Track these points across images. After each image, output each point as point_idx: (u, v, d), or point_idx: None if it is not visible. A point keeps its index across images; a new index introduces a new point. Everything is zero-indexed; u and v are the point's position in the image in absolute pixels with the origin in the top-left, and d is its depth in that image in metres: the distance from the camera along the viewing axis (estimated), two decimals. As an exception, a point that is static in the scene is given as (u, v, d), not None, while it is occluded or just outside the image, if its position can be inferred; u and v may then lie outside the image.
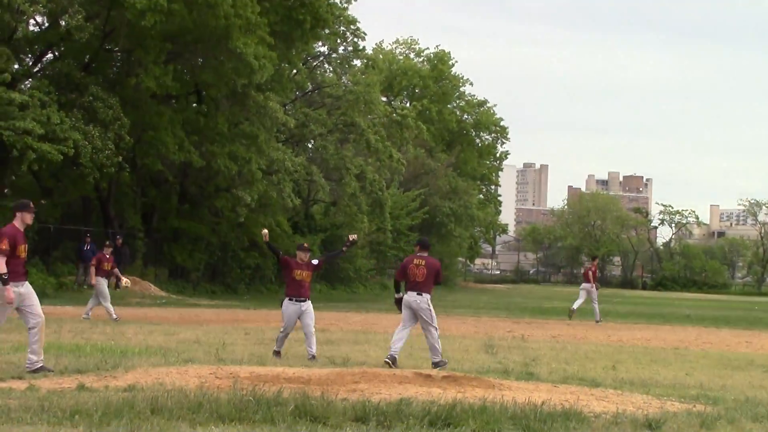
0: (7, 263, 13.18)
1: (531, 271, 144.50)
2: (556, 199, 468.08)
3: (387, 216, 59.55)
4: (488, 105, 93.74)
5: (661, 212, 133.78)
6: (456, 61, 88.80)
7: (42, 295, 34.42)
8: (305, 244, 18.59)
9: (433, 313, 17.24)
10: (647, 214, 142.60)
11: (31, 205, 13.96)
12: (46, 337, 18.74)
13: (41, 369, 13.24)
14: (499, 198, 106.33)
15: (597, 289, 35.09)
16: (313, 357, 16.99)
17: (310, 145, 55.96)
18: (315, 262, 18.20)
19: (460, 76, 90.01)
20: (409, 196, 70.94)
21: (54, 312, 27.56)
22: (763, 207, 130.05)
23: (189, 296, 43.20)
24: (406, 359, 17.68)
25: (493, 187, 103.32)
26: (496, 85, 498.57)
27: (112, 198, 44.81)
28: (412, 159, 72.11)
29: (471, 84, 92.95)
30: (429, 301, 17.21)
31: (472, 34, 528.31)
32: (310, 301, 17.66)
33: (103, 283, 26.53)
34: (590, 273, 35.54)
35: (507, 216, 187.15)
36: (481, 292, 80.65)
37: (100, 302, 26.46)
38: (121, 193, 46.20)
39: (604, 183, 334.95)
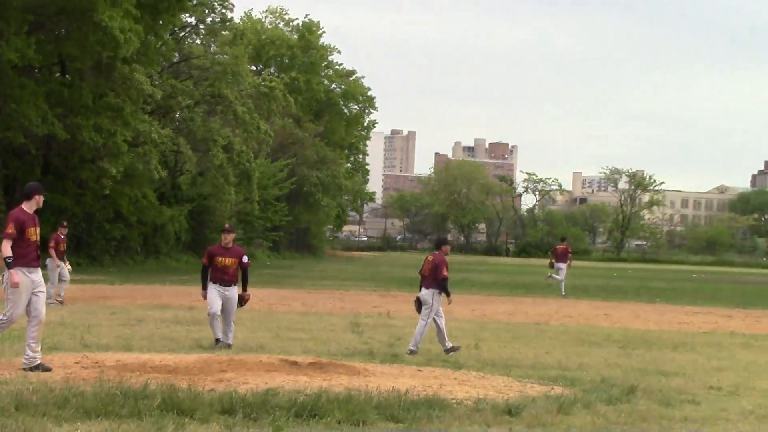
0: (16, 246, 12.67)
1: (398, 238, 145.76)
2: (423, 165, 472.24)
3: (254, 187, 59.49)
4: (356, 76, 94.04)
5: (525, 180, 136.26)
6: (324, 31, 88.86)
7: None
8: (227, 225, 17.73)
9: (434, 307, 17.28)
10: (512, 181, 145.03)
11: (42, 186, 13.49)
12: None
13: (39, 366, 12.62)
14: (366, 167, 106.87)
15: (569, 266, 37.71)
16: (228, 347, 16.29)
17: (177, 117, 55.46)
18: (245, 260, 16.94)
19: (329, 45, 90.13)
20: (277, 166, 70.90)
21: None
22: (623, 174, 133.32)
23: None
24: (272, 340, 17.84)
25: (360, 155, 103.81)
26: (365, 51, 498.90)
27: (-28, 170, 43.82)
28: (280, 129, 72.04)
29: (339, 52, 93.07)
30: (431, 294, 17.33)
31: (341, 1, 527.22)
32: (235, 288, 16.81)
33: (61, 266, 25.26)
34: (566, 253, 37.67)
35: (375, 183, 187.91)
36: (349, 261, 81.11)
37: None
38: (-19, 165, 45.19)
39: (470, 150, 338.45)
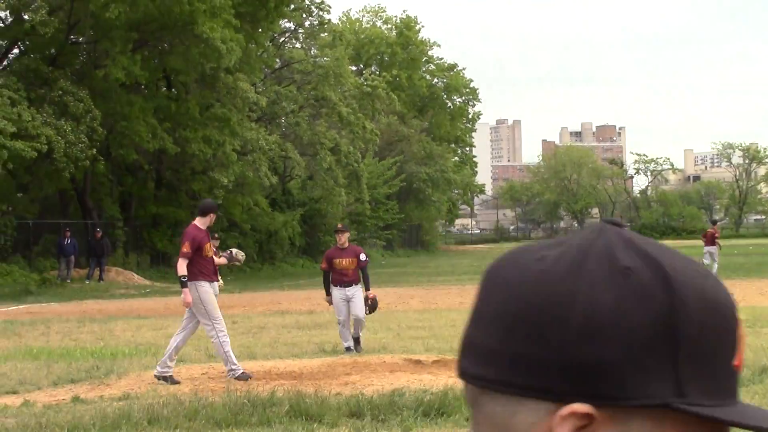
0: (195, 264, 12.99)
1: (511, 228, 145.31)
2: (531, 154, 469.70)
3: (364, 187, 59.71)
4: (458, 69, 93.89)
5: (636, 161, 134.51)
6: (422, 26, 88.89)
7: (26, 292, 34.63)
8: (339, 225, 17.62)
9: None
10: (622, 164, 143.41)
11: (216, 205, 13.93)
12: (36, 341, 18.87)
13: (169, 379, 12.82)
14: (474, 159, 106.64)
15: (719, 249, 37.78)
16: (358, 341, 16.23)
17: (282, 122, 55.93)
18: (363, 258, 16.64)
19: (428, 40, 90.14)
20: (385, 165, 71.09)
21: (40, 311, 27.65)
22: (736, 149, 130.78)
23: (172, 282, 43.12)
24: (394, 340, 17.83)
25: (467, 148, 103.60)
26: (464, 44, 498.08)
27: (89, 189, 44.75)
28: (385, 127, 72.21)
29: (439, 46, 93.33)
30: None
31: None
32: (358, 287, 16.40)
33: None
34: (714, 236, 37.73)
35: (483, 175, 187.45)
36: (463, 254, 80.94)
37: None
38: (97, 184, 46.14)
39: (577, 135, 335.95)
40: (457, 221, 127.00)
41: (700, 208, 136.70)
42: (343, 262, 16.45)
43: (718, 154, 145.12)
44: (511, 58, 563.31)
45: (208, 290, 13.02)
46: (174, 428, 9.79)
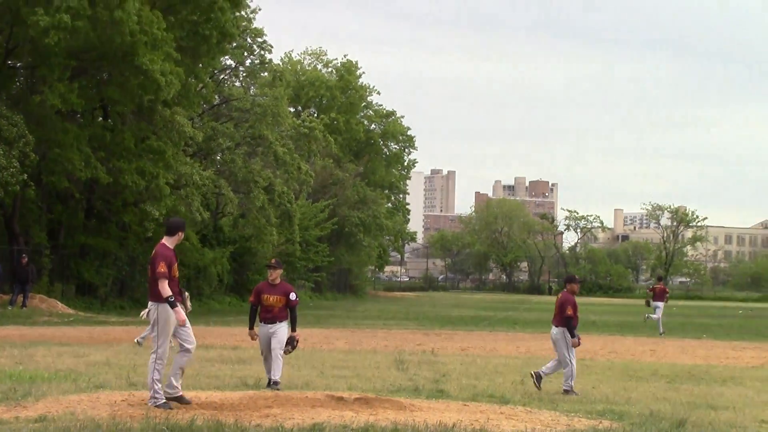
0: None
1: (440, 278, 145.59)
2: (464, 205, 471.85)
3: (296, 227, 59.57)
4: (395, 116, 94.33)
5: (566, 217, 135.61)
6: (363, 72, 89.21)
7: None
8: (273, 260, 17.19)
9: (565, 346, 17.38)
10: (553, 219, 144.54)
11: (184, 223, 13.76)
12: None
13: (166, 404, 12.62)
14: (407, 206, 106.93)
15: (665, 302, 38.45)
16: (276, 383, 15.90)
17: (218, 158, 55.75)
18: (293, 297, 16.26)
19: (367, 85, 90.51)
20: (318, 207, 71.07)
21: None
22: (665, 211, 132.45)
23: (97, 312, 42.74)
24: (317, 378, 17.80)
25: (401, 195, 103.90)
26: (403, 91, 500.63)
27: (17, 215, 44.12)
28: (320, 170, 72.29)
29: (378, 93, 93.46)
30: (561, 333, 17.51)
31: (378, 42, 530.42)
32: (283, 324, 16.18)
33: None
34: (664, 291, 38.59)
35: (415, 223, 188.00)
36: (391, 301, 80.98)
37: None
38: (26, 210, 45.52)
39: (510, 188, 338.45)
40: (387, 268, 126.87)
41: (627, 267, 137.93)
42: (271, 299, 16.23)
43: (647, 215, 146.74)
44: (448, 110, 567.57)
45: (171, 314, 12.80)
46: (90, 452, 9.68)
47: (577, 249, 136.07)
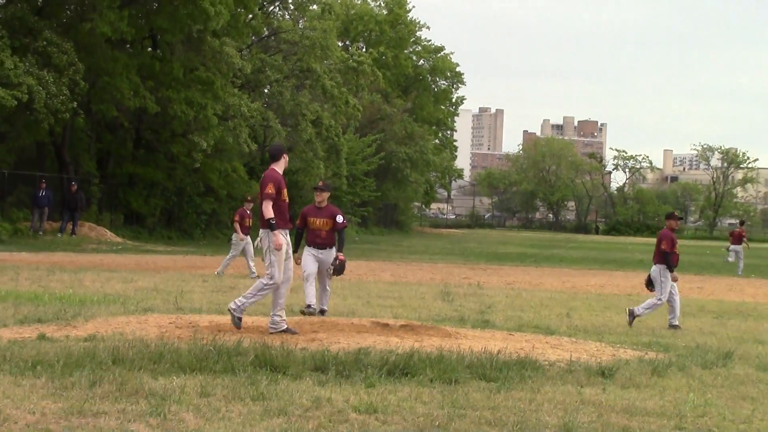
0: (275, 208, 12.60)
1: (486, 216, 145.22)
2: (511, 144, 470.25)
3: (343, 161, 59.60)
4: (444, 51, 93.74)
5: (615, 157, 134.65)
6: (413, 6, 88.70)
7: (-3, 242, 34.44)
8: (320, 182, 16.85)
9: (664, 283, 17.30)
10: (601, 159, 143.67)
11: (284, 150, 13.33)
12: (4, 285, 18.79)
13: (289, 330, 12.60)
14: (454, 143, 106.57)
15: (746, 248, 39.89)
16: (323, 312, 15.72)
17: (266, 91, 55.71)
18: (340, 219, 15.81)
19: (417, 20, 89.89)
20: (365, 142, 71.01)
21: (10, 259, 27.54)
22: (716, 152, 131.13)
23: (145, 242, 43.13)
24: (363, 307, 17.86)
25: (448, 132, 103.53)
26: (453, 29, 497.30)
27: (67, 143, 44.48)
28: (368, 104, 72.10)
29: (428, 28, 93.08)
30: (658, 270, 17.41)
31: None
32: (332, 250, 15.75)
33: (248, 241, 25.28)
34: (741, 236, 39.87)
35: (462, 161, 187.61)
36: (437, 237, 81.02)
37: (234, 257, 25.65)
38: (75, 138, 45.87)
39: (559, 128, 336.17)
40: (433, 205, 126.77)
41: (675, 208, 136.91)
42: (318, 222, 15.82)
43: (697, 156, 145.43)
44: (498, 48, 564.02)
45: (281, 238, 12.61)
46: (138, 369, 9.78)
47: (626, 189, 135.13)
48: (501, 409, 8.89)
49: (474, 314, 17.37)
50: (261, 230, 12.83)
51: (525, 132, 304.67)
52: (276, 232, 12.51)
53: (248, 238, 25.29)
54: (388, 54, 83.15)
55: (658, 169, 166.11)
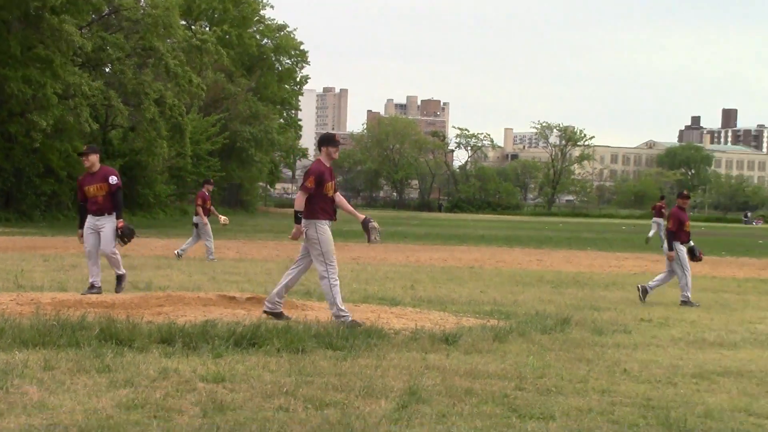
0: (315, 200, 12.15)
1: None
2: (355, 123, 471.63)
3: (187, 141, 58.95)
4: (288, 29, 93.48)
5: (457, 136, 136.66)
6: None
7: None
8: (85, 146, 15.41)
9: (677, 260, 17.61)
10: (444, 137, 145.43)
11: (336, 138, 12.76)
12: None
13: (354, 323, 11.90)
14: (299, 122, 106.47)
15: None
16: (119, 282, 15.15)
17: (107, 70, 54.73)
18: (113, 180, 14.81)
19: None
20: (209, 121, 70.41)
21: None
22: (554, 130, 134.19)
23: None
24: (209, 283, 17.84)
25: (293, 111, 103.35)
26: (297, 8, 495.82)
27: None
28: (212, 84, 71.41)
29: (271, 7, 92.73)
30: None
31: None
32: (111, 217, 14.93)
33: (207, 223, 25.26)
34: (661, 209, 40.79)
35: (307, 140, 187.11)
36: (282, 216, 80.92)
37: (197, 241, 25.48)
38: None
39: (403, 107, 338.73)
40: (278, 185, 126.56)
41: (516, 186, 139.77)
42: (92, 189, 14.82)
43: (536, 134, 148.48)
44: (343, 27, 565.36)
45: (327, 230, 12.30)
46: (-22, 345, 9.63)
47: (468, 167, 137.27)
48: (347, 375, 9.06)
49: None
50: (304, 221, 12.31)
51: (369, 111, 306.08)
52: (297, 225, 12.23)
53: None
54: (232, 33, 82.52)
55: (499, 147, 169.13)
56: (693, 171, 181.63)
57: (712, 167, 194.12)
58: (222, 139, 71.53)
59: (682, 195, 18.68)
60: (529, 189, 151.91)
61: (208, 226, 25.36)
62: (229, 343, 10.25)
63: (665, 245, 18.14)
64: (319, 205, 12.18)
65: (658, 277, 17.92)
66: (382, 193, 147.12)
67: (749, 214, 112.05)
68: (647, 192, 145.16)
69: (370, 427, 7.17)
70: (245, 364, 9.39)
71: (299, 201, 12.14)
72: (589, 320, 13.79)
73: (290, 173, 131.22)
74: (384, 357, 10.14)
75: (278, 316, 12.20)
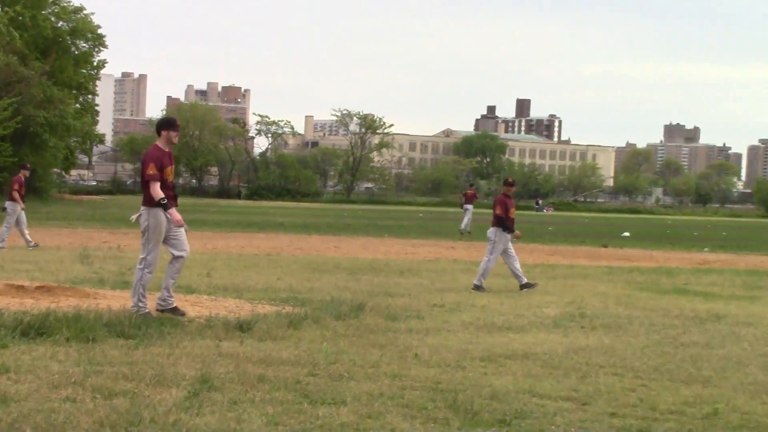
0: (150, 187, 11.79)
1: (128, 182, 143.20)
2: (154, 109, 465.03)
3: (-24, 125, 56.96)
4: (85, 12, 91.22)
5: (258, 123, 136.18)
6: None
7: None
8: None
9: (496, 244, 18.02)
10: (245, 124, 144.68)
11: (177, 121, 12.33)
12: None
13: (149, 316, 11.66)
14: (96, 108, 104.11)
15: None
16: None
17: None
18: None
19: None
20: (1, 105, 68.13)
21: None
22: (354, 117, 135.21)
23: None
24: (12, 273, 17.34)
25: (90, 96, 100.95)
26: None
27: None
28: (4, 66, 69.17)
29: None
30: (493, 232, 18.19)
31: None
32: None
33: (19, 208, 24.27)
34: (471, 195, 42.52)
35: (104, 126, 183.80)
36: (77, 203, 79.16)
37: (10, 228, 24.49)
38: None
39: (203, 93, 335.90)
40: (74, 171, 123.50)
41: (316, 173, 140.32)
42: None
43: (337, 122, 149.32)
44: (141, 11, 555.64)
45: (161, 220, 11.89)
46: None
47: (268, 154, 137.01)
48: (139, 364, 8.98)
49: (114, 276, 17.26)
50: (142, 207, 12.02)
51: (169, 97, 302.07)
52: (171, 211, 11.92)
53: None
54: (26, 14, 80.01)
55: (299, 134, 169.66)
56: (488, 159, 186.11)
57: (506, 155, 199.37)
58: (14, 124, 69.26)
59: (507, 182, 19.21)
60: (329, 176, 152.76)
61: (17, 214, 24.63)
62: (15, 333, 10.03)
63: (489, 231, 18.40)
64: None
65: (512, 267, 18.21)
66: (181, 180, 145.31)
67: (540, 202, 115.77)
68: (444, 180, 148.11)
69: (159, 416, 7.13)
70: (32, 354, 9.21)
71: (155, 190, 11.83)
72: (383, 306, 14.01)
73: (87, 159, 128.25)
74: (177, 345, 10.09)
75: (174, 311, 12.06)
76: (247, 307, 13.11)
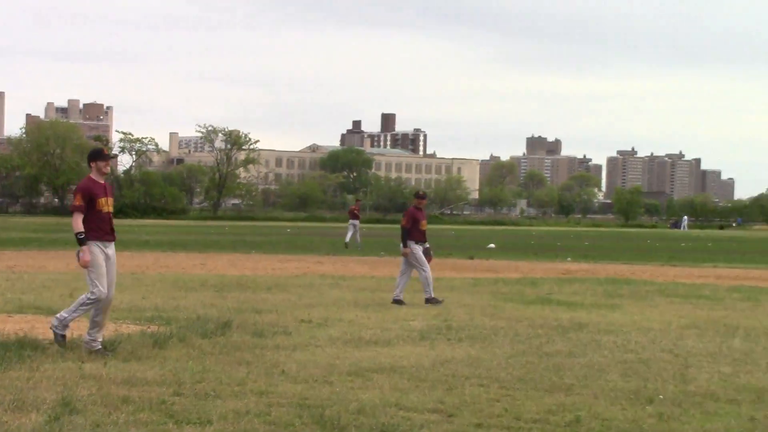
0: (88, 220, 11.22)
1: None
2: (13, 127, 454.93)
3: None
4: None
5: (121, 140, 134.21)
6: None
7: None
8: None
9: (414, 259, 18.40)
10: (108, 142, 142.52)
11: (105, 151, 11.75)
12: None
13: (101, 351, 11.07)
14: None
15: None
16: None
17: None
18: None
19: None
20: None
21: None
22: (219, 134, 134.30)
23: None
24: None
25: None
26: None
27: None
28: None
29: None
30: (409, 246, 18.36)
31: None
32: None
33: None
34: (356, 211, 44.42)
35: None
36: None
37: None
38: None
39: (64, 111, 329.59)
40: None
41: (181, 190, 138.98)
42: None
43: (202, 138, 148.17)
44: (1, 26, 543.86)
45: (97, 253, 11.32)
46: None
47: (132, 171, 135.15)
48: (-3, 389, 8.75)
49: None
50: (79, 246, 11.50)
51: (28, 115, 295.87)
52: (84, 248, 11.31)
53: None
54: None
55: (164, 151, 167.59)
56: (355, 173, 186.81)
57: (373, 170, 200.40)
58: None
59: (419, 195, 19.34)
60: (195, 193, 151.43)
61: None
62: None
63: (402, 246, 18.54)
64: (92, 224, 11.45)
65: (398, 282, 18.28)
66: (42, 200, 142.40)
67: None
68: (311, 194, 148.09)
69: (19, 442, 6.96)
70: None
71: (75, 222, 11.38)
72: (250, 323, 13.94)
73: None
74: (37, 368, 9.89)
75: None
76: (111, 327, 12.89)
